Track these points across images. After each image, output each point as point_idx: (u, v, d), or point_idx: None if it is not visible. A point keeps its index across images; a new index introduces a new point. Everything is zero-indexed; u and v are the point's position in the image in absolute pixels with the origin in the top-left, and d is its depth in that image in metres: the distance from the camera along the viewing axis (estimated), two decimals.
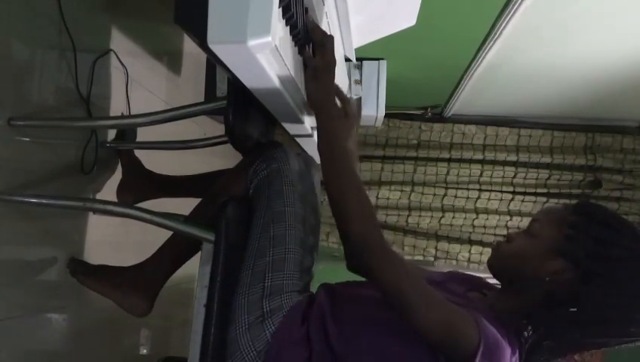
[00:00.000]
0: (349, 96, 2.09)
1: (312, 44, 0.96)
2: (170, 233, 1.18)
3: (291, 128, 1.16)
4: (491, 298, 1.00)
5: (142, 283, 1.17)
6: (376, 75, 2.17)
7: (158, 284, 1.18)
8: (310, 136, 1.22)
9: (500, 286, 1.00)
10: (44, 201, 1.13)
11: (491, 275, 1.00)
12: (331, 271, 1.47)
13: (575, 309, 0.87)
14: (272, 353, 0.90)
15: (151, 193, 1.50)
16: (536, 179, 2.91)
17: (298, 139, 1.30)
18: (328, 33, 0.99)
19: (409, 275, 0.83)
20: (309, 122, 1.13)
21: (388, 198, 2.96)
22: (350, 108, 1.05)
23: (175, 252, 1.18)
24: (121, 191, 1.50)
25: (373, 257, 0.83)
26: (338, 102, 1.04)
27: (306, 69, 0.94)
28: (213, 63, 0.88)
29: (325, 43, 0.95)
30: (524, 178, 2.91)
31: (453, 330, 0.79)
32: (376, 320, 0.91)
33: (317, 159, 1.47)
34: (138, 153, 1.58)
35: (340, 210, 0.87)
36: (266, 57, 0.73)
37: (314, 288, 1.07)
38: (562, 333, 0.88)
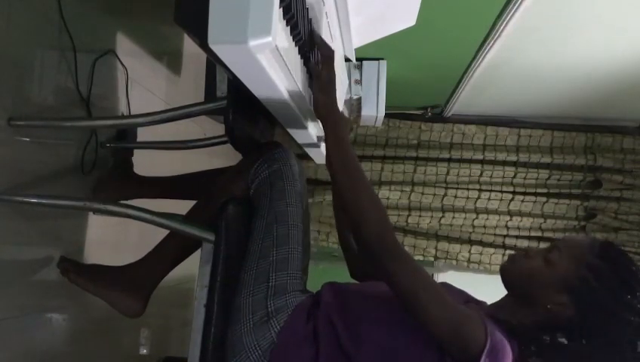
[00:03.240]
0: (348, 96, 2.09)
1: (319, 56, 0.97)
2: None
3: (298, 137, 1.16)
4: (493, 306, 1.00)
5: (135, 283, 1.15)
6: (376, 75, 2.17)
7: (151, 285, 1.17)
8: (317, 146, 1.22)
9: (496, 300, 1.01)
10: (44, 201, 1.13)
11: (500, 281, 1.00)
12: (331, 271, 1.47)
13: (564, 341, 0.88)
14: (278, 352, 0.91)
15: (130, 194, 1.43)
16: (536, 179, 2.91)
17: (306, 148, 1.30)
18: (329, 37, 1.00)
19: (422, 276, 0.84)
20: (311, 126, 1.13)
21: (388, 198, 2.96)
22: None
23: (170, 253, 1.17)
24: (99, 188, 1.43)
25: (388, 258, 0.84)
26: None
27: (311, 80, 0.95)
28: (214, 63, 0.88)
29: (330, 56, 0.96)
30: (524, 178, 2.91)
31: (462, 330, 0.81)
32: (387, 319, 0.91)
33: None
34: (139, 153, 1.57)
35: (355, 213, 0.87)
36: (266, 57, 0.73)
37: (312, 287, 1.07)
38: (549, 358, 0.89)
